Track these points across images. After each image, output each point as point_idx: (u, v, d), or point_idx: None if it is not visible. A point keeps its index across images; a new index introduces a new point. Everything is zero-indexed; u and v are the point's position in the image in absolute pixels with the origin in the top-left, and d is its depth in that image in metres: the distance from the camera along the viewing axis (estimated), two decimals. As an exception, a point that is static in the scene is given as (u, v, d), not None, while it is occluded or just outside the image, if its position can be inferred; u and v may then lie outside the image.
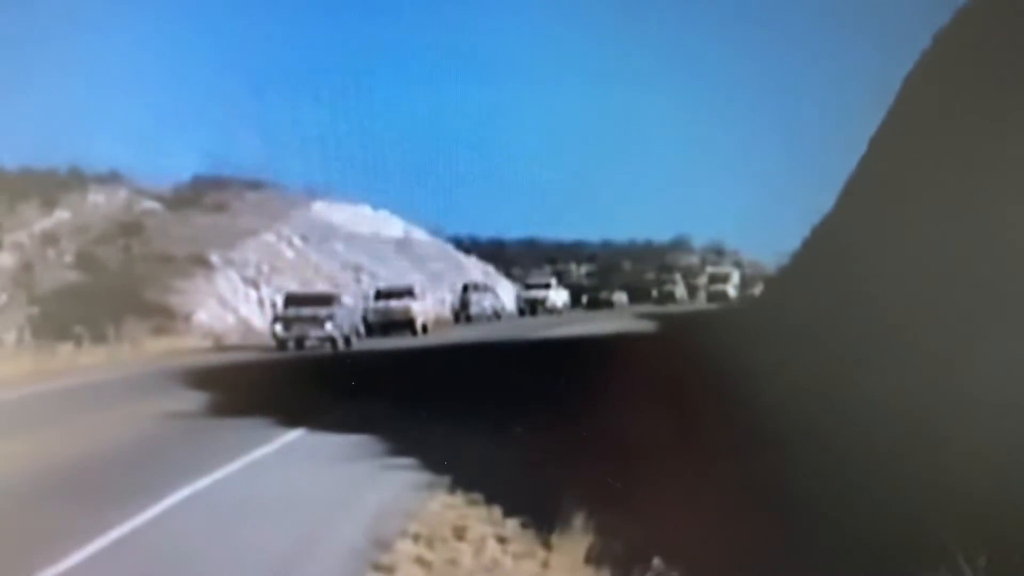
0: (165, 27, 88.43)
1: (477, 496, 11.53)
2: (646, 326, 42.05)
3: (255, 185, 59.43)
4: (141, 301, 43.41)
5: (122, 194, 54.56)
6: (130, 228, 50.61)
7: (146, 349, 37.88)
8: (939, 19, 18.97)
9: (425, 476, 12.94)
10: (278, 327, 38.23)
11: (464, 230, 75.31)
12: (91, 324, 39.30)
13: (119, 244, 49.28)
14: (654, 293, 68.24)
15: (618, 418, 14.93)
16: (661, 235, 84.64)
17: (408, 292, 46.26)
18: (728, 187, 74.52)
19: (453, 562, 9.38)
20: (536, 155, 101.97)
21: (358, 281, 54.45)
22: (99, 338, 38.28)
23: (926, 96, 18.41)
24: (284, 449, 15.64)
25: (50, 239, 48.61)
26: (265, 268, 51.20)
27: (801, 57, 75.39)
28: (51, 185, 51.51)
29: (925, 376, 11.31)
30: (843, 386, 13.20)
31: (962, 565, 7.31)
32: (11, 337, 40.59)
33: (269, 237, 54.40)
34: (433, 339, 41.07)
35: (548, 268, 77.78)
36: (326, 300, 39.75)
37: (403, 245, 65.50)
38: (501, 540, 9.95)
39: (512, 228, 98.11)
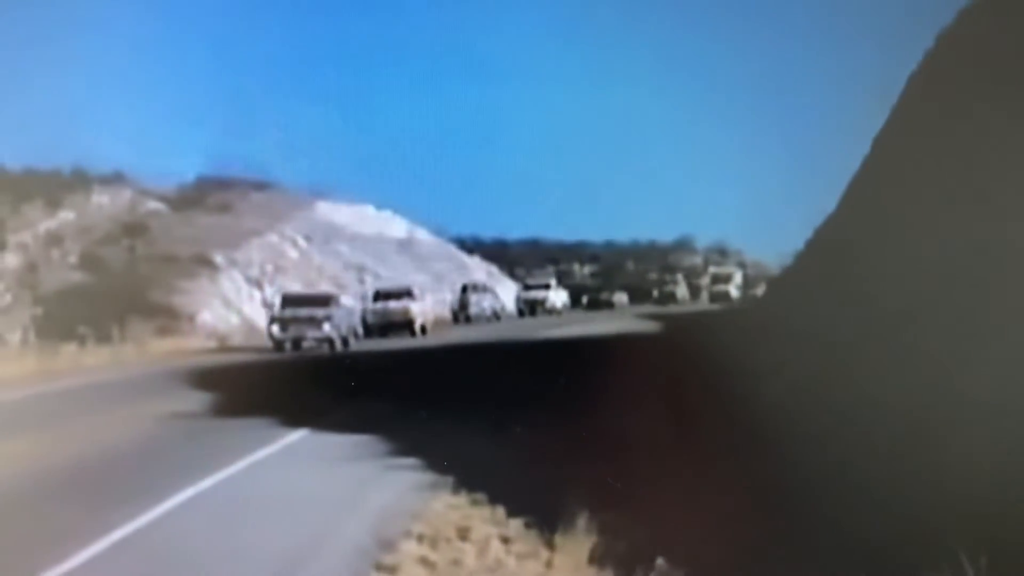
0: (169, 28, 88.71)
1: (480, 496, 11.54)
2: (647, 326, 41.99)
3: (259, 185, 59.57)
4: (145, 301, 43.48)
5: (126, 195, 54.66)
6: (134, 229, 50.67)
7: (150, 349, 37.86)
8: (942, 19, 19.00)
9: (428, 476, 12.96)
10: (275, 328, 37.78)
11: (467, 230, 75.38)
12: (95, 324, 39.35)
13: (123, 244, 49.37)
14: (655, 293, 68.21)
15: (618, 418, 14.95)
16: (665, 235, 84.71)
17: (407, 293, 45.79)
18: (732, 187, 74.68)
19: (457, 562, 9.38)
20: (540, 155, 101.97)
21: (361, 281, 54.47)
22: (103, 338, 38.32)
23: (929, 96, 18.41)
24: (287, 449, 15.68)
25: (54, 240, 48.71)
26: (269, 268, 51.29)
27: (805, 58, 75.43)
28: (55, 186, 51.60)
29: (925, 376, 11.33)
30: (844, 386, 13.21)
31: (965, 565, 7.30)
32: (15, 337, 40.71)
33: (273, 237, 54.48)
34: (432, 340, 40.96)
35: (551, 268, 77.74)
36: (324, 301, 39.16)
37: (406, 245, 65.55)
38: (505, 540, 9.96)
39: (515, 228, 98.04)
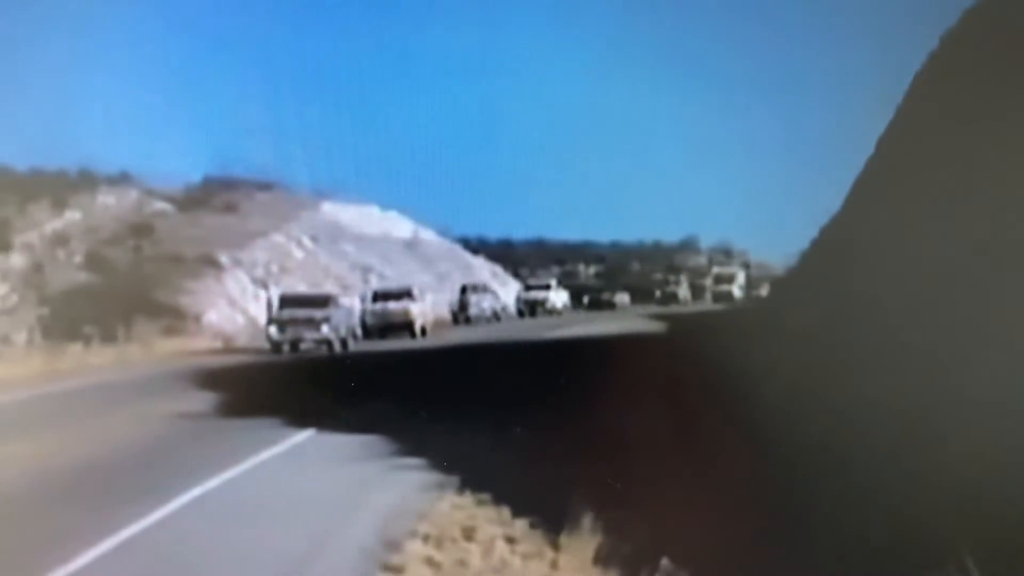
0: (176, 29, 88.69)
1: (485, 496, 11.57)
2: (648, 327, 41.95)
3: (265, 186, 59.68)
4: (151, 302, 43.51)
5: (132, 195, 54.73)
6: (140, 229, 50.74)
7: (155, 350, 37.84)
8: (947, 19, 19.03)
9: (433, 476, 13.01)
10: (272, 329, 37.10)
11: (472, 230, 75.33)
12: (101, 325, 39.43)
13: (129, 245, 49.42)
14: (657, 294, 68.09)
15: (619, 419, 14.99)
16: (670, 236, 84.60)
17: (407, 293, 45.06)
18: (737, 187, 74.41)
19: (462, 563, 9.40)
20: (545, 156, 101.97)
21: (366, 282, 54.45)
22: (109, 339, 38.39)
23: (933, 97, 18.44)
24: (294, 450, 15.74)
25: (60, 240, 48.76)
26: (274, 269, 51.33)
27: (810, 59, 75.40)
28: (61, 186, 51.64)
29: (925, 376, 11.36)
30: (844, 386, 13.24)
31: (969, 566, 7.35)
32: (21, 337, 40.76)
33: (278, 238, 54.54)
34: (432, 341, 40.84)
35: (556, 269, 77.72)
36: (322, 302, 38.40)
37: (412, 246, 65.59)
38: (510, 540, 9.98)
39: (520, 228, 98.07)
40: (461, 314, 53.01)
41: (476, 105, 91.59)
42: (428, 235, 68.00)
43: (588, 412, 16.04)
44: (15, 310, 43.31)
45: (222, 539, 10.43)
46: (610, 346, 31.72)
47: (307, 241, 56.10)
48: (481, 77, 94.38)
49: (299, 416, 17.95)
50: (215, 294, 47.26)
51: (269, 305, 41.70)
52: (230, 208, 56.00)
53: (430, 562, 9.39)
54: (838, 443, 11.22)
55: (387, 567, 9.20)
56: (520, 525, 10.47)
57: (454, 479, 12.56)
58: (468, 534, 10.25)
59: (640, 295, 68.24)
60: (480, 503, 11.43)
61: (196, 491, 12.42)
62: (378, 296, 45.38)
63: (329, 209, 60.88)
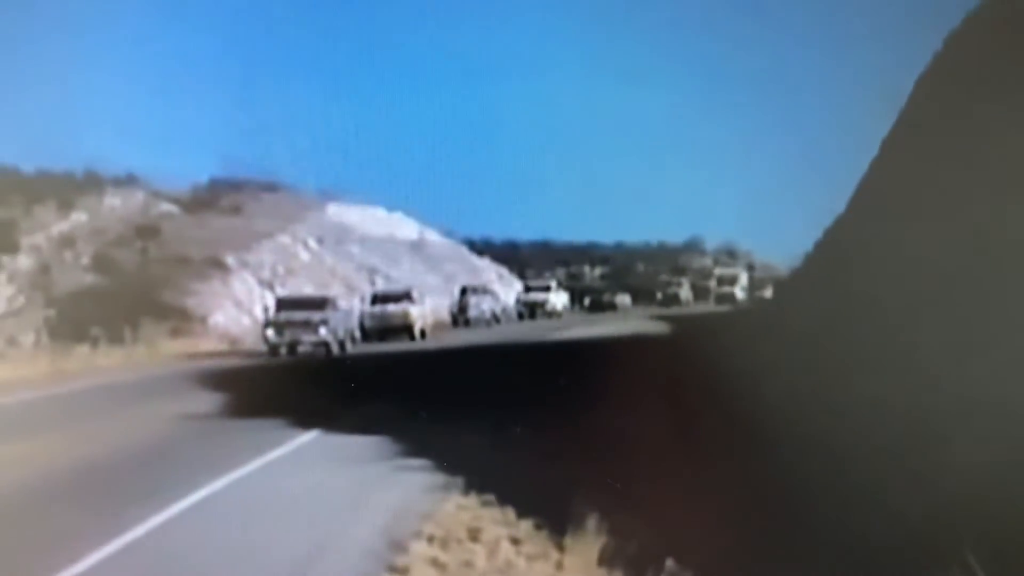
0: (182, 30, 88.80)
1: (490, 497, 11.59)
2: (649, 327, 41.90)
3: (271, 187, 59.70)
4: (157, 303, 43.56)
5: (139, 196, 54.75)
6: (146, 230, 50.75)
7: (162, 351, 37.86)
8: (950, 21, 19.05)
9: (439, 478, 13.04)
10: (269, 332, 36.44)
11: (478, 232, 75.04)
12: (108, 326, 39.43)
13: (135, 246, 49.42)
14: (658, 295, 67.87)
15: (619, 420, 15.03)
16: (675, 237, 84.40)
17: (406, 295, 44.35)
18: (741, 189, 74.48)
19: (467, 563, 9.43)
20: (551, 157, 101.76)
21: (372, 283, 54.41)
22: (116, 340, 38.39)
23: (936, 99, 18.46)
24: (299, 451, 15.79)
25: (67, 241, 48.80)
26: (281, 270, 51.36)
27: (815, 61, 75.34)
28: (68, 187, 51.66)
29: (925, 376, 11.40)
30: (844, 386, 13.27)
31: (972, 565, 7.38)
32: (28, 339, 40.85)
33: (284, 239, 54.57)
34: (431, 343, 40.72)
35: (562, 270, 77.63)
36: (320, 304, 37.75)
37: (417, 247, 65.53)
38: (515, 542, 10.01)
39: (526, 230, 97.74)
40: (460, 316, 52.29)
41: (481, 106, 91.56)
42: (434, 236, 67.89)
43: (589, 413, 16.07)
44: (22, 312, 43.39)
45: (228, 540, 10.48)
46: (610, 347, 31.70)
47: (313, 242, 56.12)
48: (487, 78, 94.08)
49: (303, 417, 18.01)
50: (221, 296, 47.29)
51: (266, 308, 41.32)
52: (236, 210, 56.02)
53: (435, 563, 9.41)
54: (839, 443, 11.25)
55: (392, 568, 9.23)
56: (525, 526, 10.49)
57: (458, 480, 12.59)
58: (473, 535, 10.27)
59: (642, 296, 68.07)
60: (485, 504, 11.45)
61: (202, 492, 12.46)
62: (377, 298, 44.72)
63: (335, 210, 60.89)
